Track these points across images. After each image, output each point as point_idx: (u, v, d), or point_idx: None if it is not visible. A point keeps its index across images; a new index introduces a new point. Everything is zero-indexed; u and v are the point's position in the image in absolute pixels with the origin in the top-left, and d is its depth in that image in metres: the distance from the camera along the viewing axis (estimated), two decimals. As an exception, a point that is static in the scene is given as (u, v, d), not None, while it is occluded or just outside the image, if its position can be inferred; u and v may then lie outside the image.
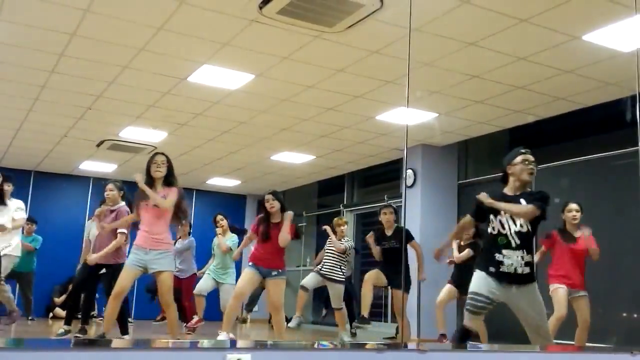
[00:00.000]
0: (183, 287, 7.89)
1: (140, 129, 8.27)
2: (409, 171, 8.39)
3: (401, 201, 8.58)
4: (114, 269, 5.61)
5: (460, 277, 6.36)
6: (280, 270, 5.57)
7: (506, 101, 6.69)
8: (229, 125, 7.97)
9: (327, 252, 7.29)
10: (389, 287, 6.77)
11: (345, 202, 10.72)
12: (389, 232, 6.52)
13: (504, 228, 4.10)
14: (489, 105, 6.83)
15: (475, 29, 5.13)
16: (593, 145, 6.86)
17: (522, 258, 4.03)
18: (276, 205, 5.54)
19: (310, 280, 7.28)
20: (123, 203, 5.92)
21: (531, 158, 4.18)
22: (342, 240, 7.37)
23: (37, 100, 7.16)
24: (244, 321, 9.86)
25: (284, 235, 5.48)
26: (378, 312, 9.79)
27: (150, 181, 5.16)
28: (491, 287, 4.06)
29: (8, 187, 6.41)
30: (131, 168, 10.46)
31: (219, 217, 7.66)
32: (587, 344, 5.45)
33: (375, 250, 6.57)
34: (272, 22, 5.01)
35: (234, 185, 11.88)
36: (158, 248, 5.02)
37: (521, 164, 4.16)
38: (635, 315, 6.39)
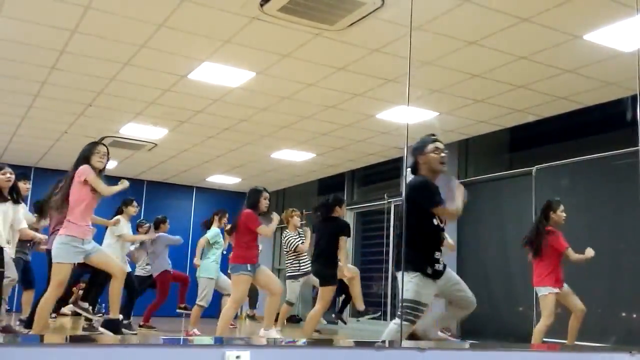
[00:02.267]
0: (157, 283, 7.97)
1: (140, 126, 8.27)
2: (409, 170, 8.38)
3: (401, 200, 8.57)
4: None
5: None
6: None
7: (507, 100, 6.69)
8: (230, 123, 7.98)
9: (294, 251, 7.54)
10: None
11: (345, 200, 10.71)
12: None
13: (442, 223, 3.89)
14: (489, 104, 6.83)
15: (476, 27, 5.13)
16: (593, 145, 6.86)
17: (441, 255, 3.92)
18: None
19: (295, 292, 7.47)
20: None
21: (442, 146, 3.92)
22: (298, 231, 7.67)
23: (37, 96, 7.16)
24: (254, 317, 9.89)
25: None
26: (377, 310, 9.79)
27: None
28: (431, 291, 3.82)
29: (25, 185, 6.25)
30: (131, 165, 10.48)
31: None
32: (587, 344, 5.46)
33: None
34: (273, 19, 5.01)
35: (233, 183, 11.89)
36: (90, 236, 4.97)
37: (433, 152, 3.91)
38: (634, 315, 6.39)
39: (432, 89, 6.49)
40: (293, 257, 7.54)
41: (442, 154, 3.89)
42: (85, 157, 4.89)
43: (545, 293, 5.50)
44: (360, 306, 6.88)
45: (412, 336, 3.87)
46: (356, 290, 6.89)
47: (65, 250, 4.79)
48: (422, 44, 5.33)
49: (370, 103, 6.98)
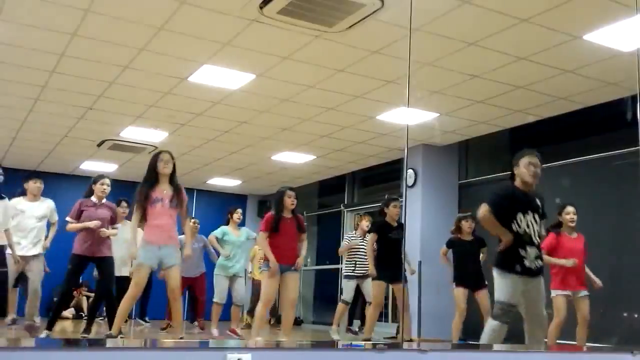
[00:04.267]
0: (196, 286, 7.86)
1: (141, 129, 8.27)
2: (410, 171, 8.39)
3: (402, 201, 8.58)
4: (101, 260, 5.76)
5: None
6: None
7: (507, 101, 6.69)
8: (230, 125, 7.98)
9: (357, 251, 7.42)
10: (389, 284, 6.58)
11: (345, 202, 10.72)
12: (394, 224, 6.49)
13: (529, 228, 4.26)
14: (489, 105, 6.83)
15: (476, 28, 5.13)
16: (594, 145, 6.86)
17: (538, 254, 4.28)
18: (296, 202, 5.70)
19: (350, 292, 7.40)
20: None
21: (535, 160, 4.31)
22: (367, 236, 7.39)
23: (37, 100, 7.17)
24: (249, 326, 9.85)
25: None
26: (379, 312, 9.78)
27: (155, 178, 5.17)
28: (518, 290, 4.20)
29: (36, 184, 6.52)
30: (132, 168, 10.47)
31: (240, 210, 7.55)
32: (588, 344, 5.46)
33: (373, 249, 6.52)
34: (272, 22, 5.01)
35: (234, 185, 11.88)
36: (170, 243, 5.04)
37: (524, 167, 4.32)
38: (636, 315, 6.38)
39: (432, 90, 6.49)
40: (350, 257, 7.53)
41: (533, 169, 4.29)
42: (152, 165, 5.37)
43: (552, 295, 5.59)
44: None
45: None
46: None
47: (140, 252, 5.07)
48: (422, 45, 5.33)
49: (370, 104, 6.98)
